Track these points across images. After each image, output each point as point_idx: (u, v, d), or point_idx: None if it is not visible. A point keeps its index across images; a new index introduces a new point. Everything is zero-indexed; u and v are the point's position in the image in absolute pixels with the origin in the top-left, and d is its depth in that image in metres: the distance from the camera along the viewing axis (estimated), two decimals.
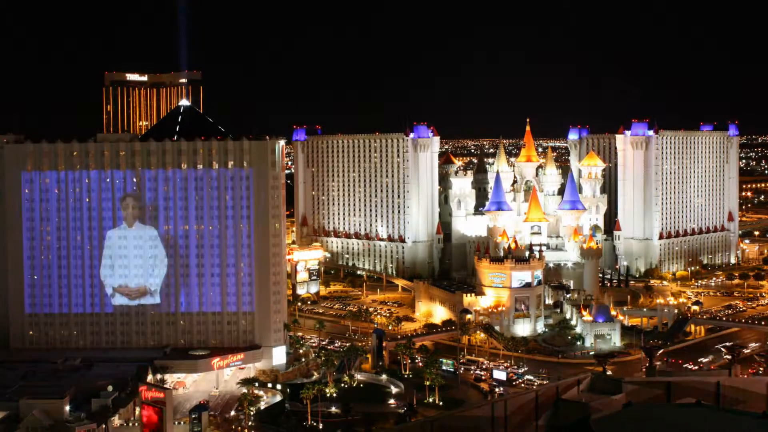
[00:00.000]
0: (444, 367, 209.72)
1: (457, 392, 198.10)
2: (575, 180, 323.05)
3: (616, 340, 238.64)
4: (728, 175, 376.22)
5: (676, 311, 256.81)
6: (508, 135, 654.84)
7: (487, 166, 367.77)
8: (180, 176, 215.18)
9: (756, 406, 35.71)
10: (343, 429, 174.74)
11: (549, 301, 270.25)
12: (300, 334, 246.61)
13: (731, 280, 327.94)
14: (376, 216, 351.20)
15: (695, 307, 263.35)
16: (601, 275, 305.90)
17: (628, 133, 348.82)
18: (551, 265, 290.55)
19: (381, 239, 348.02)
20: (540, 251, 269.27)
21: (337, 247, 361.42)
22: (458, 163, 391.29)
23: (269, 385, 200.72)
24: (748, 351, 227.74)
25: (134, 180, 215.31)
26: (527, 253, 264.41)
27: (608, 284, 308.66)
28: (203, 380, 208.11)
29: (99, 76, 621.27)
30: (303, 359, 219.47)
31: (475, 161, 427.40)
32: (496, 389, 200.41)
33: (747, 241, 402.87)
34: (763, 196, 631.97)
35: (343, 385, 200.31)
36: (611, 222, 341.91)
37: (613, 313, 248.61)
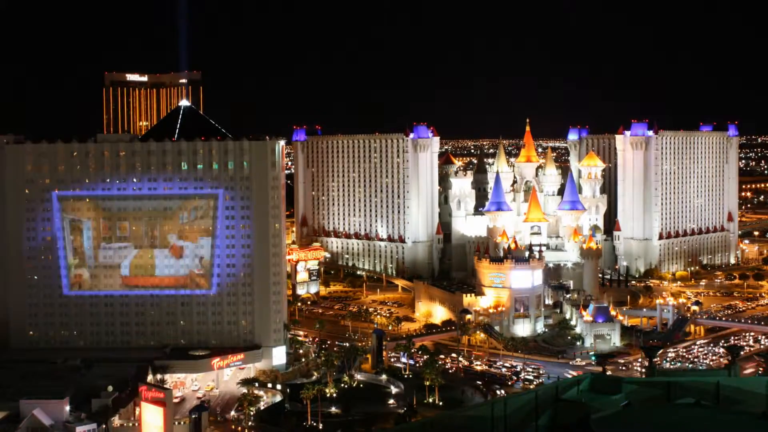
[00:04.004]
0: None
1: (457, 392, 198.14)
2: (575, 180, 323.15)
3: (615, 341, 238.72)
4: (728, 176, 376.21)
5: (676, 311, 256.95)
6: (508, 135, 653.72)
7: (487, 166, 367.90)
8: (180, 176, 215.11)
9: (756, 406, 35.72)
10: (343, 429, 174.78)
11: (549, 301, 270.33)
12: (301, 334, 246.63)
13: (731, 280, 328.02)
14: (376, 216, 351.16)
15: (695, 307, 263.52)
16: (600, 275, 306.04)
17: (627, 133, 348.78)
18: (551, 265, 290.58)
19: (381, 239, 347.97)
20: (540, 251, 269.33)
21: (337, 247, 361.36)
22: (458, 163, 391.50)
23: (269, 385, 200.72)
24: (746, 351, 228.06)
25: (134, 180, 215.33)
26: (527, 254, 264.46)
27: (608, 284, 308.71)
28: (203, 380, 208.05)
29: (99, 76, 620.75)
30: (303, 359, 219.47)
31: (475, 161, 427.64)
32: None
33: (747, 242, 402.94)
34: (762, 196, 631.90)
35: (343, 385, 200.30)
36: (611, 222, 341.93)
37: (613, 313, 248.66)
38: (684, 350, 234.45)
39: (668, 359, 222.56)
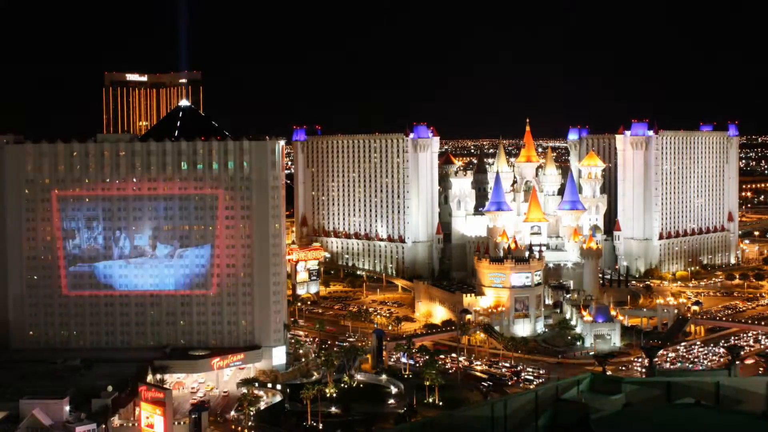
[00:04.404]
0: None
1: (457, 392, 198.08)
2: (575, 180, 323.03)
3: (615, 341, 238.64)
4: (728, 175, 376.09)
5: (676, 311, 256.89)
6: (508, 135, 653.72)
7: (487, 166, 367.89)
8: (180, 176, 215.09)
9: (756, 406, 35.67)
10: (343, 429, 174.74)
11: (549, 301, 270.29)
12: (302, 333, 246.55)
13: (731, 280, 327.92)
14: (376, 216, 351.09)
15: (695, 307, 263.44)
16: (601, 275, 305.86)
17: (627, 133, 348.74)
18: (551, 265, 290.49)
19: (381, 239, 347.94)
20: (540, 251, 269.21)
21: (337, 247, 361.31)
22: (458, 163, 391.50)
23: (269, 385, 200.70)
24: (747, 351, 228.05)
25: (134, 180, 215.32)
26: (527, 254, 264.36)
27: (608, 284, 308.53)
28: (204, 381, 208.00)
29: (99, 76, 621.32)
30: (303, 359, 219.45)
31: (475, 161, 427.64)
32: None
33: (747, 242, 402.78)
34: (763, 196, 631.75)
35: (343, 385, 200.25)
36: (611, 222, 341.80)
37: (613, 313, 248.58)
38: (684, 350, 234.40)
39: (668, 359, 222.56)
